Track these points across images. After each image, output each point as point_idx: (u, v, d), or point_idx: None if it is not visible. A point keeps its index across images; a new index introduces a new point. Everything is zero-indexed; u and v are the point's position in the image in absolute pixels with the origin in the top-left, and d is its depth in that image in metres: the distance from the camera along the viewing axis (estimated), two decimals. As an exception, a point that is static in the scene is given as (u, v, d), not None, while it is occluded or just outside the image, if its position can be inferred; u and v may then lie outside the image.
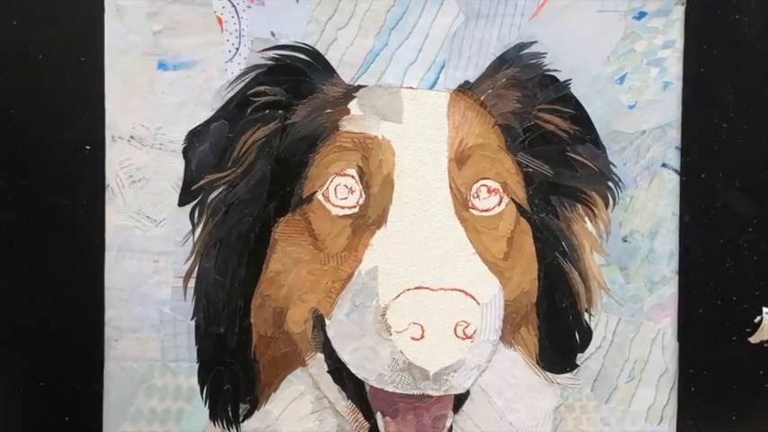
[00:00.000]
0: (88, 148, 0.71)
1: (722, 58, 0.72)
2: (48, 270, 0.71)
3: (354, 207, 0.69)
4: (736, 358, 0.73)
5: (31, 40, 0.70)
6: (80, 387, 0.71)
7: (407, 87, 0.71)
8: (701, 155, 0.72)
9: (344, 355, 0.69)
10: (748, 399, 0.73)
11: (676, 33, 0.71)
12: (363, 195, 0.69)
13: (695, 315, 0.73)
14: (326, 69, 0.71)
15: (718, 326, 0.73)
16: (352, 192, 0.69)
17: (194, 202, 0.71)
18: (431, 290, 0.67)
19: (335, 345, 0.69)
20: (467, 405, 0.71)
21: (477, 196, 0.70)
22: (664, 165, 0.72)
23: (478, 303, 0.67)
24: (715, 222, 0.73)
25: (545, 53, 0.71)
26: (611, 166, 0.72)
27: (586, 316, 0.72)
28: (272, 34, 0.71)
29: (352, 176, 0.69)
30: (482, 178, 0.70)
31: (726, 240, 0.73)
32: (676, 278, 0.72)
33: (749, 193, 0.73)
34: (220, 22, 0.70)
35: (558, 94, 0.71)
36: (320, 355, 0.71)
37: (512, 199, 0.71)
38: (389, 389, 0.68)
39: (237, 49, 0.71)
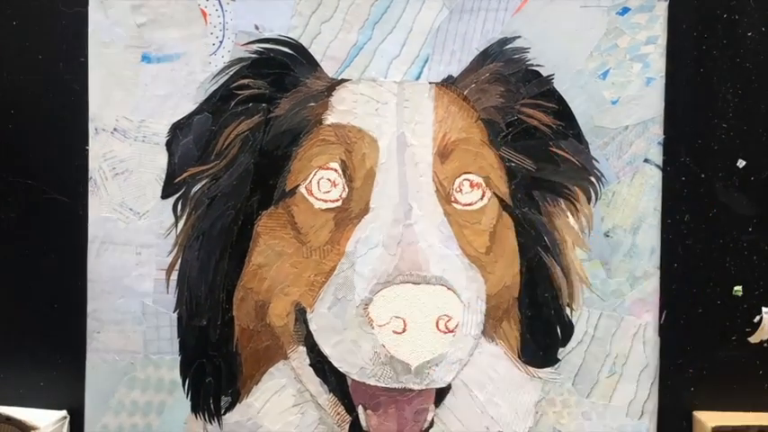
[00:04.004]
0: (71, 140, 0.71)
1: (708, 53, 0.72)
2: (30, 262, 0.71)
3: (337, 200, 0.70)
4: (737, 358, 0.73)
5: (30, 40, 0.71)
6: (62, 378, 0.71)
7: (391, 81, 0.71)
8: (685, 149, 0.72)
9: (326, 349, 0.69)
10: (748, 398, 0.73)
11: (659, 29, 0.71)
12: (346, 189, 0.69)
13: (695, 315, 0.73)
14: (310, 63, 0.71)
15: (718, 326, 0.73)
16: (335, 185, 0.69)
17: (177, 195, 0.71)
18: (413, 284, 0.67)
19: (318, 338, 0.69)
20: (448, 399, 0.71)
21: (460, 190, 0.70)
22: (646, 160, 0.72)
23: (460, 297, 0.67)
24: (714, 222, 0.73)
25: (528, 48, 0.71)
26: (594, 161, 0.72)
27: (568, 311, 0.72)
28: (256, 27, 0.71)
29: (335, 170, 0.69)
30: (465, 172, 0.70)
31: (726, 240, 0.73)
32: (658, 273, 0.72)
33: (745, 192, 0.73)
34: (204, 15, 0.71)
35: (541, 89, 0.71)
36: (302, 349, 0.71)
37: (494, 193, 0.71)
38: (371, 382, 0.68)
39: (221, 42, 0.71)
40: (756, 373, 0.74)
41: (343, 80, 0.71)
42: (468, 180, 0.70)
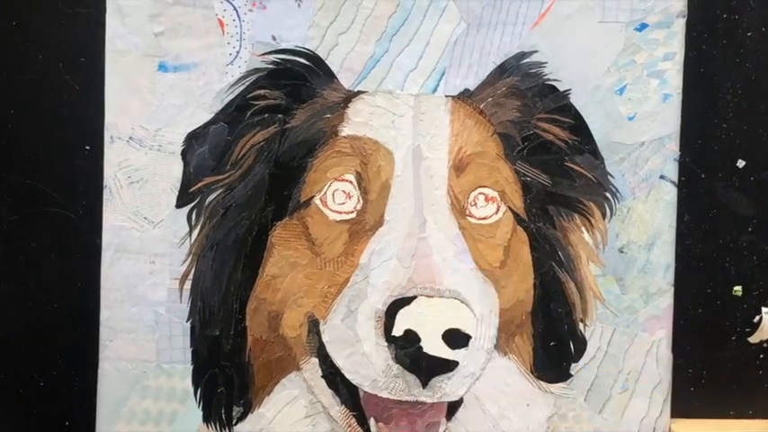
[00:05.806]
0: (87, 148, 0.71)
1: (723, 70, 0.72)
2: (44, 269, 0.71)
3: (352, 212, 0.70)
4: (737, 358, 0.73)
5: (31, 40, 0.71)
6: (74, 387, 0.71)
7: (407, 94, 0.71)
8: (700, 160, 0.72)
9: (339, 361, 0.69)
10: (748, 398, 0.73)
11: (677, 46, 0.71)
12: (361, 201, 0.69)
13: (695, 315, 0.73)
14: (327, 74, 0.71)
15: (718, 326, 0.73)
16: (349, 197, 0.69)
17: (192, 205, 0.71)
18: (426, 297, 0.67)
19: (330, 350, 0.69)
20: (460, 412, 0.71)
21: (475, 204, 0.70)
22: (662, 176, 0.72)
23: (474, 311, 0.67)
24: (714, 222, 0.73)
25: (545, 63, 0.71)
26: (609, 176, 0.72)
27: (581, 326, 0.72)
28: (273, 38, 0.71)
29: (351, 182, 0.69)
30: (480, 186, 0.70)
31: (726, 240, 0.73)
32: (672, 290, 0.72)
33: (745, 192, 0.73)
34: (221, 24, 0.71)
35: (558, 104, 0.71)
36: (315, 360, 0.71)
37: (509, 208, 0.71)
38: (383, 395, 0.68)
39: (238, 52, 0.71)
40: (756, 374, 0.74)
41: (360, 92, 0.71)
42: (483, 194, 0.70)
